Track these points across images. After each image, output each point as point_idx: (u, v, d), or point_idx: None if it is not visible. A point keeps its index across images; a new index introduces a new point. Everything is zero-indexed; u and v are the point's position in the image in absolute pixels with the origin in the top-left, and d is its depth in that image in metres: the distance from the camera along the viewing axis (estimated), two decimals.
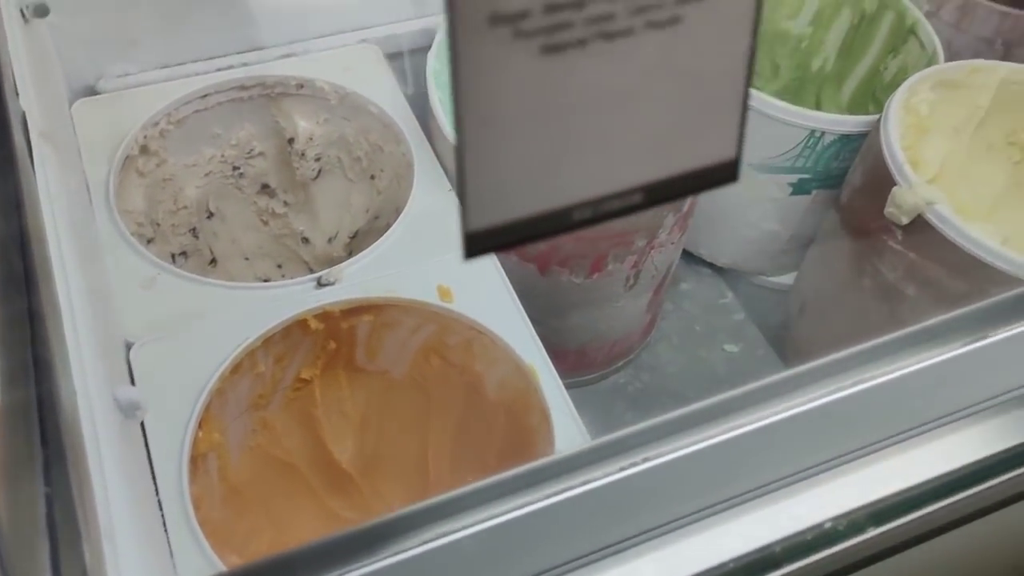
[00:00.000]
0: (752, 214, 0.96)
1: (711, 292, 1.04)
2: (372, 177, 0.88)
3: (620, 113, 0.21)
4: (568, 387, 0.94)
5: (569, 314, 0.84)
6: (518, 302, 0.69)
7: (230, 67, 0.85)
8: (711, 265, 1.05)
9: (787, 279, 1.03)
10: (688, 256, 1.05)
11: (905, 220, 0.73)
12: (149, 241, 0.82)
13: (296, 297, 0.69)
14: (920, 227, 0.73)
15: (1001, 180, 0.87)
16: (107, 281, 0.66)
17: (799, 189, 0.91)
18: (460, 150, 0.20)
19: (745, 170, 0.89)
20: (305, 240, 0.94)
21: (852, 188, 0.84)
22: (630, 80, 0.21)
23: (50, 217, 0.50)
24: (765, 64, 1.08)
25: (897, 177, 0.74)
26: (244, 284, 0.69)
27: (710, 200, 0.96)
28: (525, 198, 0.21)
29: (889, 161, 0.75)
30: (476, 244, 0.22)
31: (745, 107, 0.22)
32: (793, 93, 1.08)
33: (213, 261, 0.91)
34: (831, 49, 1.05)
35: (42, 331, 0.42)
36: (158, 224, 0.84)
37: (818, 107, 1.07)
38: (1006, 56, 0.94)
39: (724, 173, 0.23)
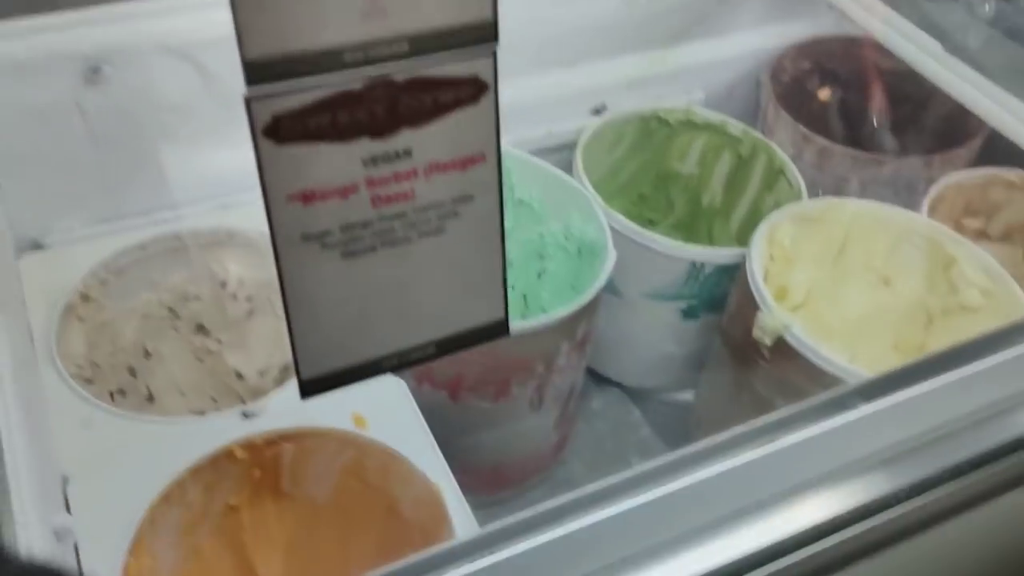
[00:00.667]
0: (650, 337, 1.05)
1: (620, 410, 1.13)
2: None
3: (409, 292, 0.30)
4: (487, 505, 1.01)
5: (481, 435, 0.91)
6: (426, 426, 0.77)
7: (166, 220, 0.93)
8: (619, 384, 1.14)
9: (688, 395, 1.12)
10: (597, 377, 1.14)
11: (769, 341, 0.83)
12: (88, 381, 0.88)
13: (223, 429, 0.75)
14: (782, 347, 0.83)
15: (862, 302, 0.98)
16: (47, 420, 0.73)
17: (688, 314, 1.01)
18: (288, 323, 0.28)
19: (640, 299, 0.99)
20: (239, 375, 1.01)
21: (729, 313, 0.94)
22: (413, 270, 0.29)
23: None
24: (661, 200, 1.20)
25: (760, 303, 0.85)
26: (174, 419, 0.76)
27: (613, 326, 1.05)
28: (343, 353, 0.30)
29: (753, 289, 0.86)
30: (310, 388, 0.30)
31: (504, 282, 0.31)
32: (687, 226, 1.20)
33: (150, 398, 0.97)
34: (717, 187, 1.17)
35: None
36: (97, 365, 0.90)
37: (710, 238, 1.18)
38: (863, 192, 1.07)
39: (497, 329, 0.32)
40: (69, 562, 0.61)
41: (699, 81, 1.17)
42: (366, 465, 0.80)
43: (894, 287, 0.97)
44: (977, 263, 0.90)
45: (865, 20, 0.94)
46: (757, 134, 1.10)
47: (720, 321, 0.98)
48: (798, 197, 1.03)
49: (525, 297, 1.06)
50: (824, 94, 1.22)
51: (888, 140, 1.12)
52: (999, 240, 1.12)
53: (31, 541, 0.47)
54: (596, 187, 1.14)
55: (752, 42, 1.17)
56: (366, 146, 0.27)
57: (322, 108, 0.25)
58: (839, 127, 1.19)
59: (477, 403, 0.87)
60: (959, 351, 0.59)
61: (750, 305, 0.87)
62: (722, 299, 0.99)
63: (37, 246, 0.91)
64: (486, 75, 0.28)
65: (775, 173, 1.08)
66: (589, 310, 0.86)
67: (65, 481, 0.70)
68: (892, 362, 0.92)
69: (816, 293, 0.98)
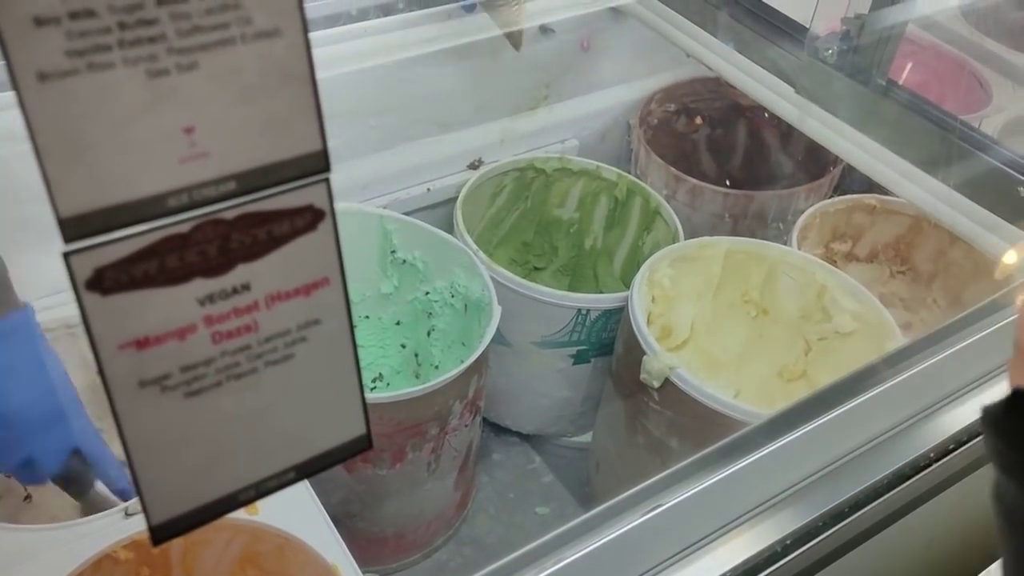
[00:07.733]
0: (544, 385, 1.06)
1: (520, 459, 1.13)
2: None
3: (262, 422, 0.29)
4: (393, 571, 1.00)
5: (381, 503, 0.90)
6: (319, 504, 0.75)
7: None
8: (518, 433, 1.14)
9: (587, 438, 1.13)
10: (496, 427, 1.13)
11: (656, 384, 0.85)
12: None
13: (105, 530, 0.72)
14: (669, 388, 0.84)
15: (744, 333, 1.01)
16: None
17: (579, 359, 1.02)
18: (132, 471, 0.27)
19: (531, 348, 0.99)
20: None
21: (617, 357, 0.96)
22: (263, 400, 0.29)
23: None
24: (545, 246, 1.22)
25: (645, 347, 0.86)
26: (50, 526, 0.72)
27: (507, 376, 1.06)
28: (195, 494, 0.29)
29: (637, 334, 0.87)
30: (161, 534, 0.29)
31: (363, 398, 0.31)
32: (572, 269, 1.22)
33: (28, 498, 0.92)
34: (598, 229, 1.19)
35: None
36: None
37: (595, 279, 1.20)
38: (735, 227, 1.10)
39: (359, 445, 0.31)
40: None
41: (572, 130, 1.20)
42: (260, 551, 0.77)
43: (772, 316, 1.00)
44: (846, 288, 0.94)
45: (722, 67, 0.98)
46: (631, 177, 1.13)
47: (610, 365, 0.99)
48: (675, 235, 1.05)
49: (417, 356, 1.06)
50: (692, 133, 1.26)
51: (756, 175, 1.16)
52: (866, 260, 1.17)
53: None
54: (480, 238, 1.15)
55: (619, 91, 1.20)
56: (200, 285, 0.26)
57: (147, 255, 0.25)
58: (710, 164, 1.23)
59: (374, 472, 0.85)
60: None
61: (636, 348, 0.88)
62: (610, 342, 1.01)
63: None
64: (321, 203, 0.27)
65: (651, 213, 1.11)
66: (478, 366, 0.86)
67: None
68: (777, 390, 0.95)
69: (700, 328, 1.00)
